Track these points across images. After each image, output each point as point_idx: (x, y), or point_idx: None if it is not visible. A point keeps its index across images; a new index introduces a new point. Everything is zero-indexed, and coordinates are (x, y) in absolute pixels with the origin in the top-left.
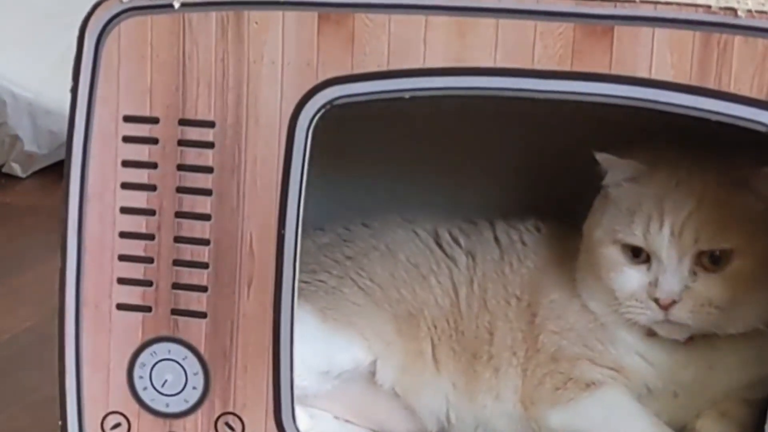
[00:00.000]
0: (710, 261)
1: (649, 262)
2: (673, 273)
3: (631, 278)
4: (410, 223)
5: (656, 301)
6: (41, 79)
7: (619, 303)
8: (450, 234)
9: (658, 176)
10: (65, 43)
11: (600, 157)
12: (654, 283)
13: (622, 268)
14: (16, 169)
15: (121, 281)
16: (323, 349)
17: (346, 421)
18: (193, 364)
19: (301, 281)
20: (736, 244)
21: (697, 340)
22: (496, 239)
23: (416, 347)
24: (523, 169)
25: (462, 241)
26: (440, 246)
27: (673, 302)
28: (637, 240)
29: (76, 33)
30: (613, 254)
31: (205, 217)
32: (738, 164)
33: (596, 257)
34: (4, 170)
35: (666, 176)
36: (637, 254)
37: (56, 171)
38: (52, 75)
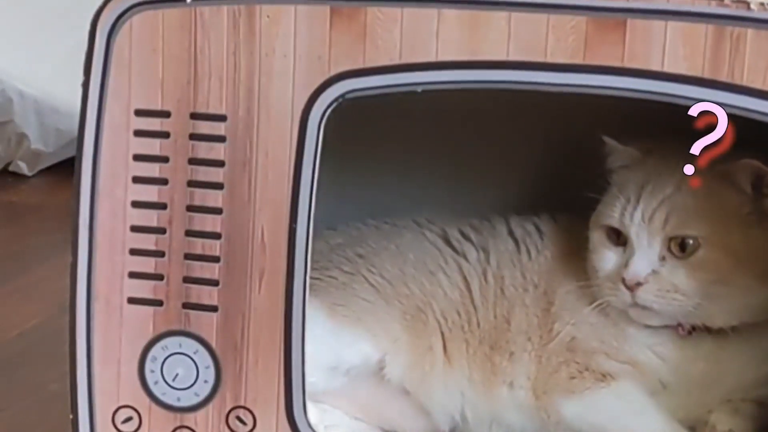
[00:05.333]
0: (679, 248)
1: (626, 244)
2: (641, 255)
3: (609, 259)
4: (419, 226)
5: (623, 281)
6: (48, 78)
7: (600, 285)
8: (460, 232)
9: (649, 163)
10: (72, 41)
11: (607, 140)
12: (625, 265)
13: (602, 250)
14: (23, 168)
15: (133, 275)
16: (331, 345)
17: (357, 418)
18: (204, 358)
19: (311, 278)
20: (704, 233)
21: (702, 334)
22: (511, 232)
23: (425, 343)
24: (537, 165)
25: (473, 237)
26: (449, 244)
27: (638, 284)
28: (615, 222)
29: (83, 31)
30: (598, 236)
31: (217, 211)
32: (722, 157)
33: (589, 241)
34: (10, 168)
35: (654, 163)
36: (618, 237)
37: (63, 169)
38: (59, 73)
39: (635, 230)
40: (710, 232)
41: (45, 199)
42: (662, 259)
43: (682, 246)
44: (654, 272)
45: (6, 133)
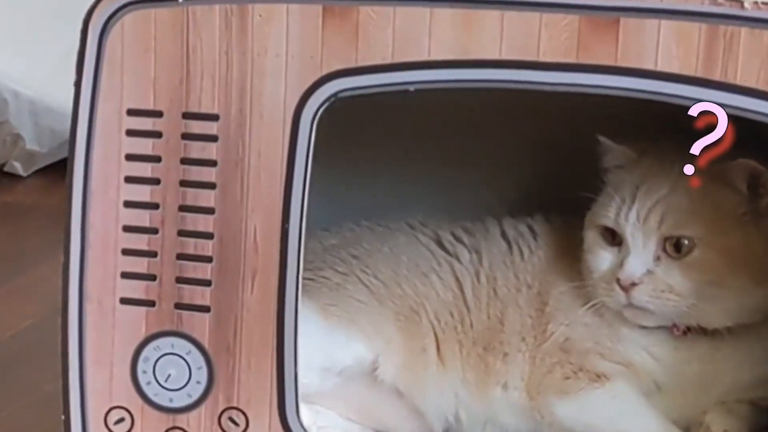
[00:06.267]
0: (674, 248)
1: (621, 245)
2: (636, 256)
3: (604, 259)
4: (412, 228)
5: (618, 282)
6: (43, 78)
7: (594, 285)
8: (452, 234)
9: (644, 163)
10: (68, 41)
11: (602, 140)
12: (620, 265)
13: (597, 250)
14: (18, 168)
15: (125, 275)
16: (324, 346)
17: (350, 420)
18: (196, 359)
19: (304, 278)
20: (699, 233)
21: (697, 335)
22: (503, 233)
23: (418, 344)
24: (532, 165)
25: (465, 238)
26: (442, 246)
27: (633, 285)
28: (610, 222)
29: (78, 32)
30: (593, 236)
31: (209, 211)
32: (720, 156)
33: (583, 241)
34: (5, 169)
35: (650, 163)
36: (613, 237)
37: (58, 170)
38: (55, 73)
39: (630, 230)
40: (705, 233)
41: (40, 199)
42: (657, 259)
43: (678, 246)
44: (649, 272)
45: (1, 134)
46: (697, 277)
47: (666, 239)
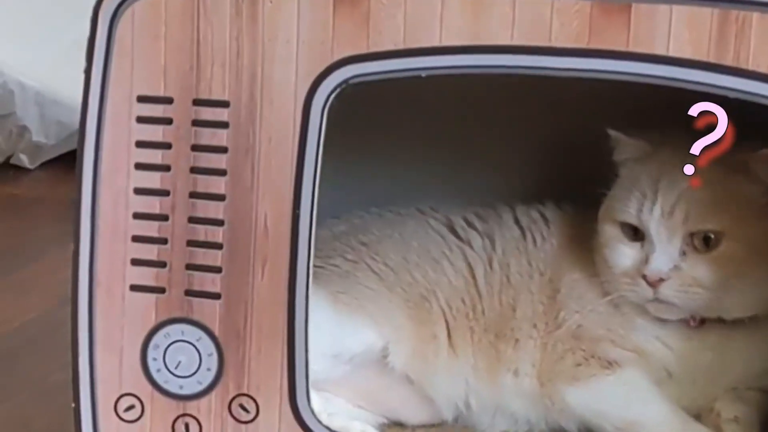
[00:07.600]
0: (703, 242)
1: (644, 240)
2: (662, 251)
3: (626, 255)
4: (423, 213)
5: (644, 278)
6: (49, 70)
7: (615, 280)
8: (465, 220)
9: (661, 156)
10: (74, 33)
11: (612, 133)
12: (645, 261)
13: (617, 245)
14: (24, 160)
15: (135, 262)
16: (333, 333)
17: (360, 407)
18: (207, 346)
19: (315, 266)
20: (725, 226)
21: (711, 325)
22: (516, 220)
23: (429, 331)
24: (542, 153)
25: (478, 224)
26: (454, 231)
27: (661, 280)
28: (631, 218)
29: (84, 23)
30: (611, 231)
31: (220, 198)
32: (739, 147)
33: (600, 235)
34: (12, 161)
35: (667, 156)
36: (634, 232)
37: (64, 162)
38: (61, 65)
39: (654, 226)
40: (730, 225)
41: (46, 192)
42: (683, 254)
43: (706, 240)
44: (676, 267)
45: (7, 126)
46: (723, 270)
47: (692, 234)
